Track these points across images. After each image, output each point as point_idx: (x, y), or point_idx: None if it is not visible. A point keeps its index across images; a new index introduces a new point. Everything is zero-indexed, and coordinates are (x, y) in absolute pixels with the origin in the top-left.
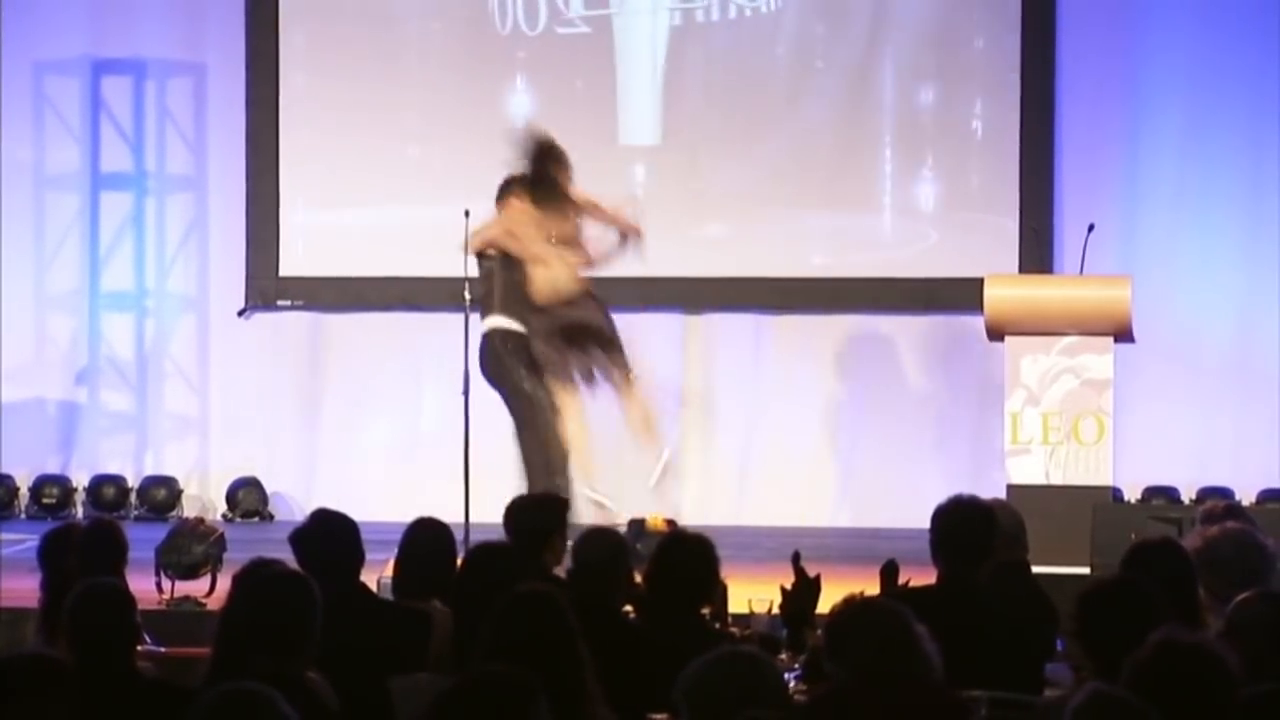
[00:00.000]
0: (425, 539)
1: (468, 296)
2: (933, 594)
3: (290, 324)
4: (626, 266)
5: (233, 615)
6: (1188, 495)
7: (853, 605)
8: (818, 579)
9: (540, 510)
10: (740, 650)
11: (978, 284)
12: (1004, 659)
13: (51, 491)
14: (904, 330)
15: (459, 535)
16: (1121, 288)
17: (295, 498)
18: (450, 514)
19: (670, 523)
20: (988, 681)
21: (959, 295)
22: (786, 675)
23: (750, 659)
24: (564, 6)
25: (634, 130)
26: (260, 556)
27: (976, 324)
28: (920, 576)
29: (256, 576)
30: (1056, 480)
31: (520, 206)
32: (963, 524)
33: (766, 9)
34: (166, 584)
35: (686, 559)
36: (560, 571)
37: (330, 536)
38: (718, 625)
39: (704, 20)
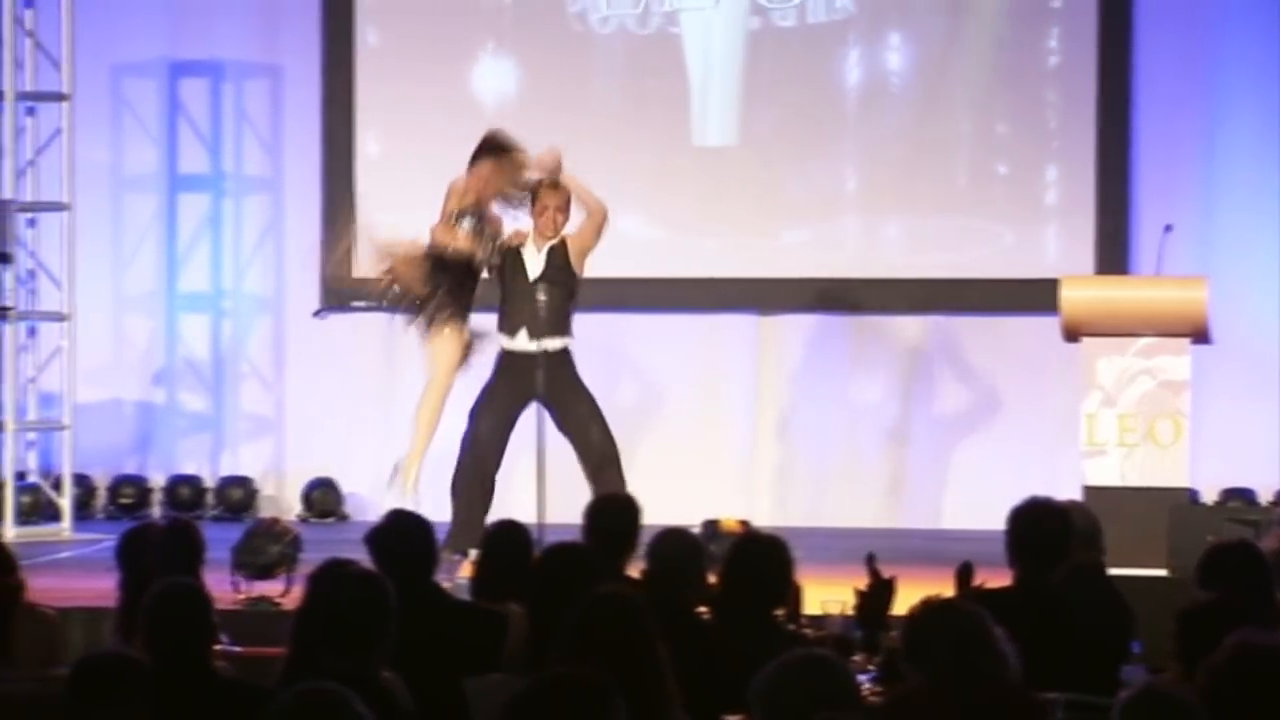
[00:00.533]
0: (505, 541)
1: (541, 298)
2: (1008, 595)
3: (365, 325)
4: (700, 268)
5: (307, 615)
6: (1265, 497)
7: (931, 606)
8: (892, 580)
9: (619, 511)
10: (814, 653)
11: (1053, 285)
12: (1079, 661)
13: (129, 492)
14: (979, 331)
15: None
16: (1198, 289)
17: (370, 498)
18: (524, 514)
19: (744, 524)
20: (1063, 683)
21: (1034, 296)
22: (862, 677)
23: (823, 662)
24: (642, 7)
25: (708, 132)
26: (335, 556)
27: (1052, 325)
28: (994, 579)
29: (331, 576)
30: (1133, 482)
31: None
32: (1038, 525)
33: (842, 14)
34: (242, 584)
35: (760, 560)
36: (632, 572)
37: (405, 536)
38: (791, 627)
39: (779, 24)
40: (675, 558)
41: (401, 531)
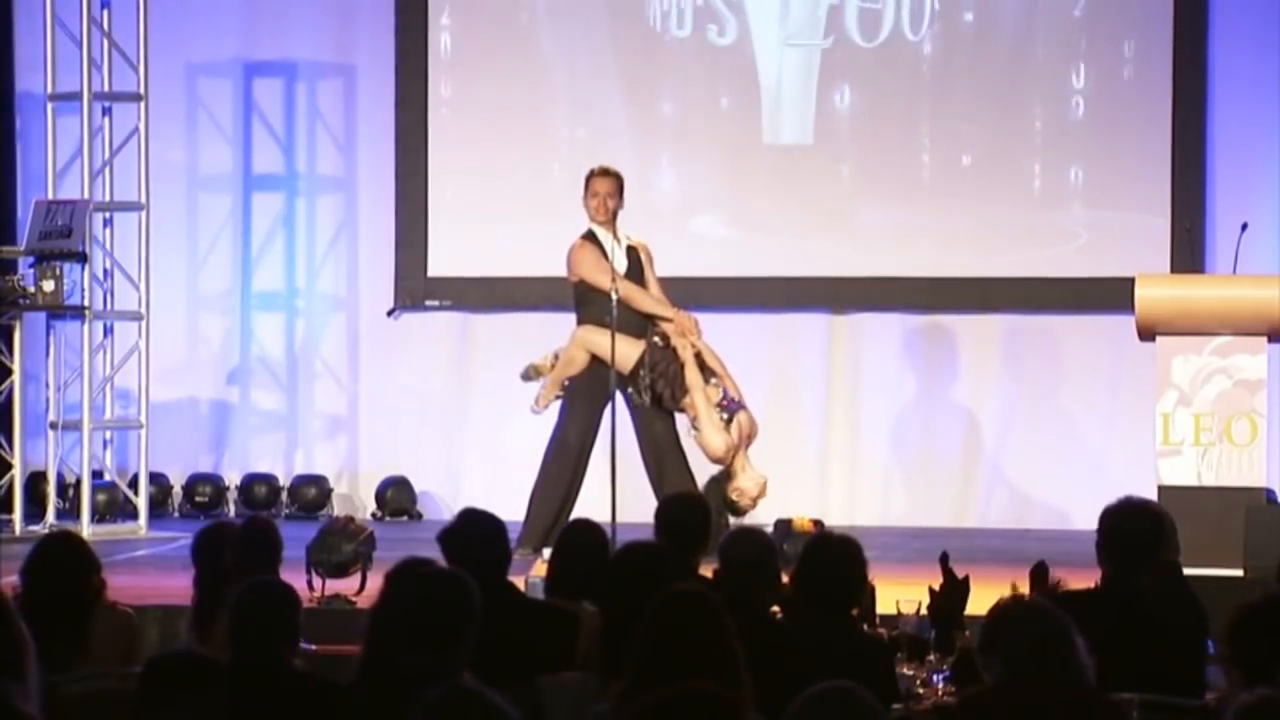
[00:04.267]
0: (579, 539)
1: (614, 297)
2: (1096, 596)
3: (439, 324)
4: (772, 267)
5: (386, 614)
6: None
7: (1011, 605)
8: (966, 580)
9: (690, 509)
10: (840, 685)
11: (1128, 284)
12: (1163, 661)
13: (204, 490)
14: (1053, 330)
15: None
16: (1275, 287)
17: (443, 497)
18: (596, 513)
19: (817, 523)
20: (1150, 684)
21: (1109, 295)
22: (935, 676)
23: (849, 694)
24: (715, 10)
25: (781, 130)
26: (413, 555)
27: (1126, 324)
28: (1068, 578)
29: (413, 575)
30: (1208, 481)
31: None
32: (1131, 525)
33: (917, 18)
34: (317, 582)
35: (834, 560)
36: (704, 571)
37: (477, 535)
38: (865, 626)
39: (854, 29)
40: (747, 557)
41: (473, 530)
